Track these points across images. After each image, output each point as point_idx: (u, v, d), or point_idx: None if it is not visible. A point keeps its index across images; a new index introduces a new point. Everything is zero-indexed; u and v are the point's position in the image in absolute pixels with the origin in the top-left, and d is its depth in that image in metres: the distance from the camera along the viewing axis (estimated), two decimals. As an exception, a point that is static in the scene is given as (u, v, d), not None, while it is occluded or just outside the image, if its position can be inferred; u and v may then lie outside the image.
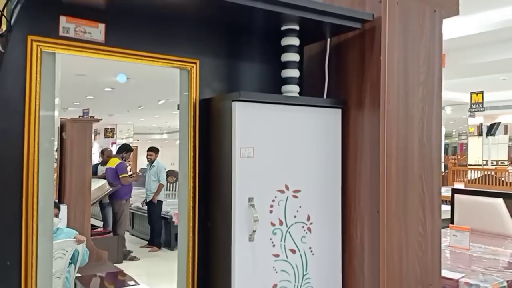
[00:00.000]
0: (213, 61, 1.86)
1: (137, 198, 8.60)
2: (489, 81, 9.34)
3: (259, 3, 1.56)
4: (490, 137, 14.08)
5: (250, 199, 1.65)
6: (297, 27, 1.78)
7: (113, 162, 7.15)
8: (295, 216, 1.75)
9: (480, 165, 13.76)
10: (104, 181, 7.14)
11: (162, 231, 7.64)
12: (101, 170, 7.69)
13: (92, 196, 6.59)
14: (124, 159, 7.45)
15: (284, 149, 1.74)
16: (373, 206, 1.78)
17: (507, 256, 3.94)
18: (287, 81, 1.80)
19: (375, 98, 1.79)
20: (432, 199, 1.91)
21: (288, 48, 1.80)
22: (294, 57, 1.80)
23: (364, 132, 1.84)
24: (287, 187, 1.74)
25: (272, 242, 1.70)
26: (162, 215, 7.70)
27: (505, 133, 16.77)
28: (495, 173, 11.35)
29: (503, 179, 10.99)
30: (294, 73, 1.80)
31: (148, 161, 7.76)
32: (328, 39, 2.00)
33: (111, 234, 7.03)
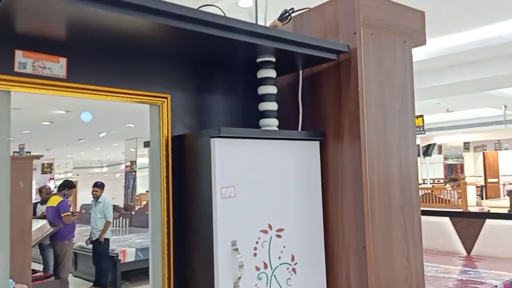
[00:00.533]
0: (185, 95, 1.74)
1: (79, 237, 8.10)
2: (426, 105, 9.83)
3: (234, 35, 1.47)
4: (427, 157, 14.78)
5: (233, 243, 1.52)
6: (273, 59, 1.72)
7: (54, 200, 6.70)
8: (279, 257, 1.64)
9: (420, 184, 14.35)
10: (45, 221, 6.67)
11: (109, 270, 7.21)
12: (40, 209, 7.18)
13: (32, 238, 6.10)
14: (65, 196, 7.01)
15: (265, 186, 1.64)
16: (358, 241, 1.71)
17: (458, 273, 4.04)
18: (266, 114, 1.72)
19: (355, 129, 1.74)
20: (413, 230, 1.87)
21: (265, 81, 1.72)
22: (272, 89, 1.73)
23: (344, 165, 1.78)
24: (270, 227, 1.63)
25: (258, 288, 1.57)
26: (109, 254, 7.30)
27: (439, 152, 17.73)
28: (432, 191, 11.86)
29: (441, 196, 11.50)
30: (272, 106, 1.72)
31: (93, 197, 7.35)
32: (300, 71, 1.95)
33: (53, 278, 6.54)
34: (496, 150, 17.31)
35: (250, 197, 1.59)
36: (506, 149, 17.11)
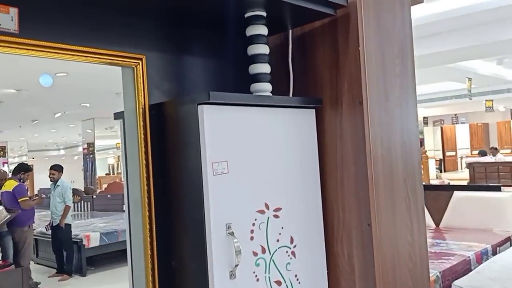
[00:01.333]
0: (163, 56, 1.50)
1: (40, 222, 7.68)
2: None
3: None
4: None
5: (228, 226, 1.32)
6: (264, 13, 1.49)
7: (9, 185, 6.26)
8: (277, 240, 1.45)
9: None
10: (1, 208, 6.23)
11: (73, 256, 6.88)
12: (-6, 195, 6.71)
13: (-14, 226, 5.71)
14: (22, 180, 6.56)
15: (259, 160, 1.44)
16: (362, 218, 1.55)
17: (429, 246, 4.03)
18: (257, 78, 1.50)
19: (355, 94, 1.56)
20: (416, 204, 1.73)
21: (255, 39, 1.49)
22: (264, 49, 1.50)
23: (344, 134, 1.60)
24: (267, 206, 1.44)
25: (256, 276, 1.38)
26: (72, 239, 6.96)
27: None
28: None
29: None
30: (265, 68, 1.51)
31: (51, 180, 6.93)
32: (290, 31, 1.73)
33: (13, 266, 6.16)
34: (453, 124, 17.77)
35: (244, 173, 1.39)
36: (462, 123, 17.59)
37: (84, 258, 6.93)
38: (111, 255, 6.99)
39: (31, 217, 6.38)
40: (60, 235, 6.71)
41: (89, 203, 10.91)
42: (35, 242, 7.38)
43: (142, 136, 1.40)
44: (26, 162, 8.33)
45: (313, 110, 1.63)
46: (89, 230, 7.59)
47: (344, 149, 1.60)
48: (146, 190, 1.40)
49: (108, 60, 1.36)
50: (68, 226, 6.76)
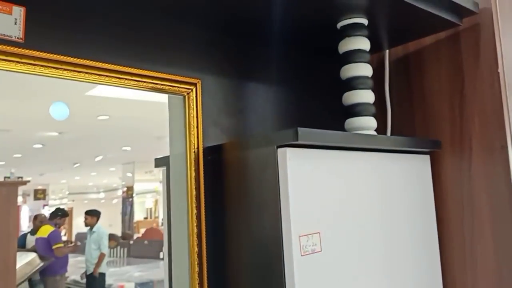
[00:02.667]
0: (223, 82, 1.09)
1: (74, 269, 7.34)
2: None
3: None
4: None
5: (322, 336, 0.85)
6: (365, 21, 1.07)
7: (45, 231, 5.97)
8: None
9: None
10: (34, 255, 5.95)
11: (105, 309, 6.46)
12: (30, 240, 6.45)
13: (19, 274, 5.41)
14: (57, 225, 6.29)
15: (362, 229, 0.98)
16: (510, 317, 1.04)
17: None
18: (357, 110, 1.06)
19: (493, 135, 1.09)
20: None
21: (353, 56, 1.06)
22: (365, 70, 1.07)
23: (476, 191, 1.12)
24: (374, 300, 0.96)
25: None
26: (105, 290, 6.56)
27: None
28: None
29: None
30: (368, 96, 1.07)
31: (85, 225, 6.63)
32: (387, 51, 1.31)
33: (43, 318, 5.78)
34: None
35: (344, 250, 0.93)
36: None
37: (118, 311, 6.50)
38: (145, 308, 6.52)
39: (65, 265, 6.05)
40: (93, 285, 6.33)
41: (125, 249, 10.60)
42: (68, 291, 7.03)
43: (194, 192, 0.97)
44: (62, 207, 8.15)
45: (428, 156, 1.17)
46: (124, 280, 7.19)
47: (475, 211, 1.12)
48: (197, 263, 0.95)
49: (150, 85, 0.97)
50: (102, 275, 6.39)
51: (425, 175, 1.16)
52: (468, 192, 1.13)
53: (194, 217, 0.97)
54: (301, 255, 0.85)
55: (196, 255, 0.96)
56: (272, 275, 0.86)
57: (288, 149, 0.86)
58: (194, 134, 1.00)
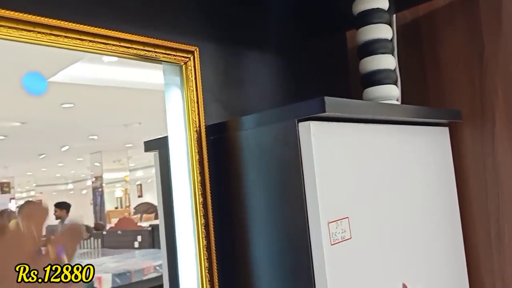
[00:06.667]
0: (222, 50, 0.96)
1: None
2: None
3: None
4: None
5: (357, 334, 0.74)
6: (382, -22, 0.95)
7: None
8: None
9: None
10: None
11: (81, 303, 6.27)
12: (-4, 236, 6.15)
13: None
14: (26, 219, 6.02)
15: (390, 213, 0.87)
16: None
17: None
18: (377, 78, 0.94)
19: (518, 103, 1.00)
20: None
21: (369, 17, 0.94)
22: (385, 31, 0.95)
23: (501, 166, 1.03)
24: (406, 289, 0.86)
25: None
26: (79, 283, 6.36)
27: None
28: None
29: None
30: (389, 61, 0.95)
31: (56, 219, 6.37)
32: (394, 15, 1.20)
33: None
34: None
35: (372, 237, 0.82)
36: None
37: (95, 303, 6.32)
38: (122, 299, 6.36)
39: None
40: (68, 280, 6.12)
41: (99, 240, 10.35)
42: (41, 287, 6.78)
43: (199, 177, 0.84)
44: (31, 197, 7.80)
45: (447, 129, 1.07)
46: (101, 271, 7.00)
47: (500, 188, 1.03)
48: (206, 258, 0.83)
49: (142, 52, 0.82)
50: (76, 269, 6.18)
51: (445, 149, 1.06)
52: (491, 167, 1.04)
53: (200, 206, 0.83)
54: (331, 244, 0.73)
55: (204, 249, 0.83)
56: (298, 268, 0.74)
57: (312, 123, 0.74)
58: (194, 111, 0.86)
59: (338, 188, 0.77)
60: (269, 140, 0.79)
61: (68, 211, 7.06)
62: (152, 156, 1.04)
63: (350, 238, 0.77)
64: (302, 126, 0.74)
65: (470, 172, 1.08)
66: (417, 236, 0.93)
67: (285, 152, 0.76)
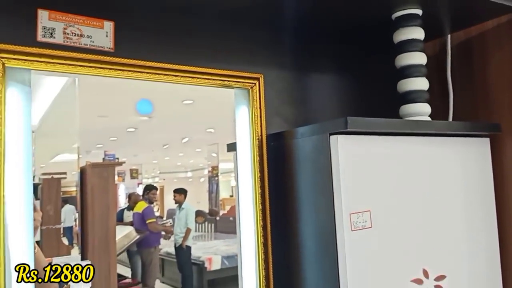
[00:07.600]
0: (284, 75, 1.21)
1: (168, 242, 7.94)
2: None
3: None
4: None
5: (372, 303, 0.95)
6: (419, 11, 1.12)
7: (140, 207, 6.52)
8: (441, 323, 1.04)
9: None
10: (131, 228, 6.54)
11: (193, 278, 6.93)
12: (127, 215, 7.08)
13: (119, 245, 5.97)
14: (148, 200, 6.83)
15: (414, 209, 1.05)
16: None
17: None
18: (410, 97, 1.12)
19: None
20: None
21: (407, 46, 1.12)
22: (420, 58, 1.12)
23: (536, 174, 1.13)
24: (426, 274, 1.04)
25: None
26: (192, 261, 7.02)
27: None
28: None
29: None
30: (421, 83, 1.12)
31: (175, 203, 7.12)
32: (449, 36, 1.33)
33: (140, 285, 6.37)
34: None
35: (393, 227, 1.01)
36: None
37: (206, 281, 6.94)
38: (230, 279, 6.90)
39: (158, 239, 6.58)
40: (182, 256, 6.82)
41: (212, 225, 11.21)
42: (161, 262, 7.63)
43: (258, 174, 1.11)
44: (150, 184, 8.78)
45: (487, 140, 1.19)
46: (211, 253, 7.64)
47: (535, 195, 1.13)
48: (262, 242, 1.09)
49: (219, 82, 1.10)
50: (189, 248, 6.85)
51: (485, 159, 1.18)
52: (528, 174, 1.14)
53: (259, 196, 1.10)
54: (352, 230, 0.95)
55: (261, 228, 1.09)
56: (327, 248, 0.97)
57: (339, 136, 0.96)
58: (257, 123, 1.13)
59: (361, 187, 0.97)
60: (310, 148, 1.03)
61: (185, 196, 7.83)
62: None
63: (371, 227, 0.97)
64: (333, 139, 0.96)
65: (510, 180, 1.18)
66: (445, 233, 1.09)
67: (320, 158, 0.99)
